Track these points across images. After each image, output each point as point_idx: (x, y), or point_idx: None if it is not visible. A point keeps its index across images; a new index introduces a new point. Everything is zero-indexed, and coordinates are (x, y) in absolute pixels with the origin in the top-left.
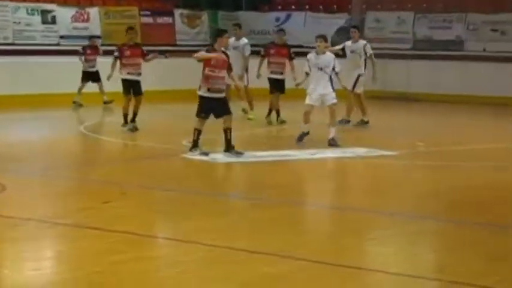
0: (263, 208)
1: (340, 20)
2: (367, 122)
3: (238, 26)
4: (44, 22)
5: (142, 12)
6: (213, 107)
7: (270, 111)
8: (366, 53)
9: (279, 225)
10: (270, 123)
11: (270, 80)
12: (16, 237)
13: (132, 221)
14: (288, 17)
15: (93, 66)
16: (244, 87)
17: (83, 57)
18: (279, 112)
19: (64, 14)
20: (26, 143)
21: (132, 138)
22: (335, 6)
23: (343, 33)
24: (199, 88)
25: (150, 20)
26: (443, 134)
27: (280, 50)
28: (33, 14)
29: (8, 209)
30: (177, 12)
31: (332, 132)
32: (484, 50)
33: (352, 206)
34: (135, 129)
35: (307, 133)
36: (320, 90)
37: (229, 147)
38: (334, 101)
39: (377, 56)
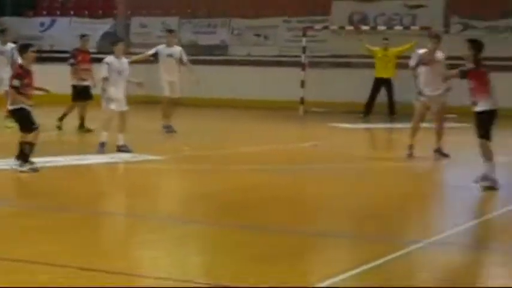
0: (25, 215)
1: (105, 25)
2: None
3: (3, 31)
4: None
5: None
6: None
7: (82, 119)
8: (182, 59)
9: (42, 232)
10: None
11: (75, 87)
12: None
13: None
14: (53, 22)
15: None
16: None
17: None
18: (83, 119)
19: None
20: None
21: None
22: (100, 12)
23: (108, 38)
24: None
25: None
26: (209, 138)
27: (85, 56)
28: None
29: None
30: None
31: (121, 139)
32: (248, 54)
33: (117, 211)
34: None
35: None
36: (120, 95)
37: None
38: (127, 107)
39: (146, 62)
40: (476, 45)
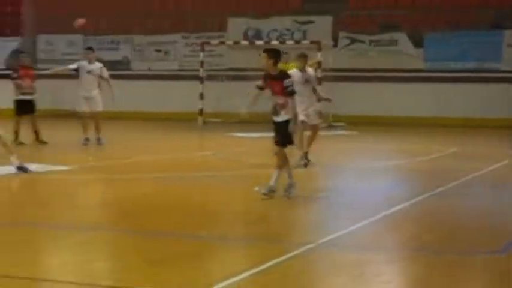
0: None
1: (13, 42)
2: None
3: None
4: None
5: None
6: None
7: (17, 133)
8: (101, 75)
9: None
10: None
11: (19, 102)
12: None
13: None
14: None
15: None
16: None
17: None
18: (37, 133)
19: None
20: None
21: None
22: (8, 30)
23: (16, 56)
24: None
25: None
26: (112, 149)
27: (28, 72)
28: None
29: None
30: None
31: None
32: (149, 69)
33: (27, 219)
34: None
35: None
36: None
37: None
38: None
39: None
40: (274, 54)
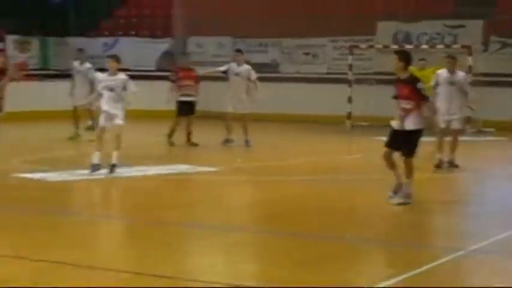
0: (86, 224)
1: (164, 44)
2: (248, 141)
3: (81, 50)
4: None
5: None
6: None
7: (172, 132)
8: (249, 77)
9: (99, 239)
10: (172, 145)
11: (180, 103)
12: None
13: None
14: (115, 42)
15: None
16: (88, 109)
17: None
18: (190, 134)
19: None
20: None
21: None
22: (160, 32)
23: (167, 57)
24: None
25: None
26: (260, 151)
27: (188, 73)
28: None
29: None
30: (9, 38)
31: (115, 157)
32: (297, 72)
33: (173, 220)
34: None
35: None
36: (110, 111)
37: None
38: (120, 122)
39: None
40: (404, 56)
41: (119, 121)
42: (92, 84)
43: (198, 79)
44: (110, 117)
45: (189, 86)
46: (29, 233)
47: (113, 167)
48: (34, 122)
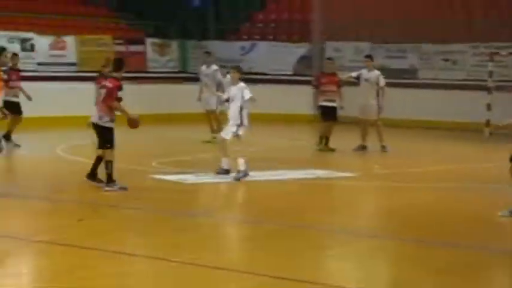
0: (226, 226)
1: (301, 49)
2: (385, 147)
3: (208, 53)
4: (23, 50)
5: (115, 41)
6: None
7: (322, 138)
8: (378, 83)
9: (241, 242)
10: (322, 150)
11: (323, 108)
12: None
13: (103, 237)
14: (253, 46)
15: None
16: (213, 112)
17: None
18: (328, 139)
19: (42, 42)
20: (8, 163)
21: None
22: (297, 36)
23: (305, 62)
24: (106, 119)
25: (123, 48)
26: (397, 157)
27: (331, 79)
28: (12, 42)
29: None
30: (149, 41)
31: (242, 164)
32: (435, 78)
33: (311, 224)
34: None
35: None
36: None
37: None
38: (239, 132)
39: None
40: None
41: (226, 134)
42: (219, 86)
43: (340, 84)
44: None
45: (331, 92)
46: (165, 234)
47: (238, 173)
48: (171, 124)
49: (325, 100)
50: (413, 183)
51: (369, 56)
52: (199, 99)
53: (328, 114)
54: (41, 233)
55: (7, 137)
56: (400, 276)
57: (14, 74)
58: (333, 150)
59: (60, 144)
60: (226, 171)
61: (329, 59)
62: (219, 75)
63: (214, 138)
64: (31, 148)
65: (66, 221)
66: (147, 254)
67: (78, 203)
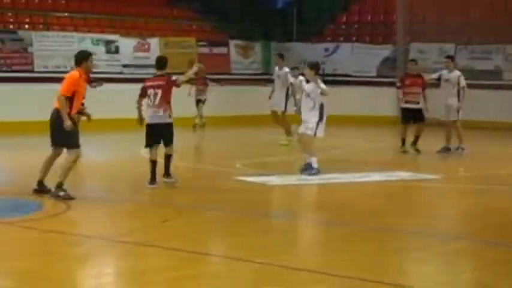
0: (309, 227)
1: (385, 50)
2: (463, 149)
3: (280, 55)
4: (107, 52)
5: (199, 43)
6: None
7: (404, 140)
8: (459, 84)
9: (324, 243)
10: (404, 152)
11: (405, 110)
12: (79, 254)
13: (187, 239)
14: (337, 47)
15: None
16: (282, 113)
17: None
18: (417, 140)
19: (127, 45)
20: (91, 165)
21: (189, 160)
22: (380, 38)
23: (388, 64)
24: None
25: (206, 50)
26: (481, 159)
27: (415, 80)
28: (97, 44)
29: (72, 227)
30: (232, 43)
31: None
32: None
33: (394, 226)
34: None
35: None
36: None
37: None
38: (308, 132)
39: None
40: None
41: (308, 131)
42: (289, 88)
43: (425, 86)
44: (306, 124)
45: (414, 93)
46: (249, 235)
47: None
48: (254, 126)
49: (408, 102)
50: (498, 185)
51: (450, 57)
52: (270, 98)
53: (413, 116)
54: (126, 234)
55: None
56: (483, 279)
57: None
58: (418, 151)
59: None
60: (312, 168)
61: (412, 60)
62: (290, 78)
63: (290, 140)
64: (115, 149)
65: (150, 222)
66: (231, 255)
67: (162, 204)
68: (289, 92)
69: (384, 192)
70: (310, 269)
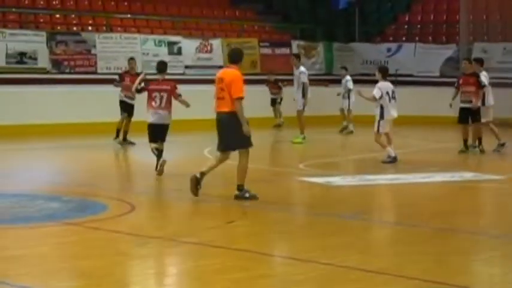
0: (375, 228)
1: (448, 50)
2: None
3: (295, 56)
4: (170, 53)
5: (261, 44)
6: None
7: (465, 140)
8: (481, 83)
9: (390, 244)
10: (462, 152)
11: (462, 110)
12: (144, 254)
13: (253, 239)
14: (399, 47)
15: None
16: (299, 111)
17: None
18: (480, 140)
19: (189, 46)
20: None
21: (252, 161)
22: (444, 38)
23: (452, 64)
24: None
25: (269, 51)
26: None
27: (468, 79)
28: (160, 46)
29: (137, 228)
30: (294, 43)
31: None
32: None
33: (459, 227)
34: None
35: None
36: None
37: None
38: (381, 126)
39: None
40: None
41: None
42: (303, 88)
43: (479, 84)
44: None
45: (468, 92)
46: (314, 236)
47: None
48: (318, 126)
49: (463, 101)
50: None
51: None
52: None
53: (469, 116)
54: (190, 234)
55: (124, 138)
56: None
57: (128, 78)
58: (483, 152)
59: (207, 146)
60: (394, 159)
61: (466, 59)
62: (304, 78)
63: (304, 138)
64: (180, 151)
65: (215, 222)
66: (296, 256)
67: (226, 205)
68: (305, 91)
69: (449, 193)
70: (375, 271)
